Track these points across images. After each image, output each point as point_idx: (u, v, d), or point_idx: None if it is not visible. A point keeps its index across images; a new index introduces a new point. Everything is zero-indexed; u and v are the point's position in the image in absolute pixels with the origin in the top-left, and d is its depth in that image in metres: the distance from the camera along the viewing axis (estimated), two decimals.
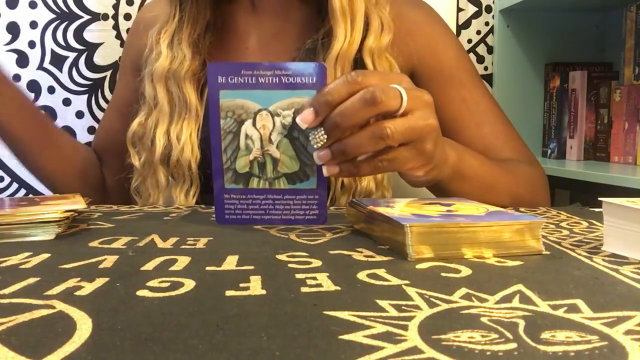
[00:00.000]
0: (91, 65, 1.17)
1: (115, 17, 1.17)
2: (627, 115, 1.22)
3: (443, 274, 0.36)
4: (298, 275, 0.35)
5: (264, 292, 0.32)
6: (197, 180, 0.75)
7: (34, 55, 1.15)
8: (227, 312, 0.28)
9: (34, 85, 1.15)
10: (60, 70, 1.16)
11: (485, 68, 1.31)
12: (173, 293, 0.32)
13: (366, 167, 0.49)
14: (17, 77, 1.14)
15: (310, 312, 0.29)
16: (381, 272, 0.36)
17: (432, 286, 0.33)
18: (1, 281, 0.34)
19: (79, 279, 0.34)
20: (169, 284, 0.33)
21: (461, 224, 0.41)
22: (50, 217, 0.47)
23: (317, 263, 0.39)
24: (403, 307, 0.29)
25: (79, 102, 1.17)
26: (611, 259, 0.40)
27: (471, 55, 1.29)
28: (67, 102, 1.16)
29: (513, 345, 0.24)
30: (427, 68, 0.79)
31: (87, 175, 0.85)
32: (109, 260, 0.39)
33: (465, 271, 0.37)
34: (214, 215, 0.54)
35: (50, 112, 1.16)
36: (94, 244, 0.45)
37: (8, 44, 1.14)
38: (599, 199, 0.44)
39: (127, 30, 1.14)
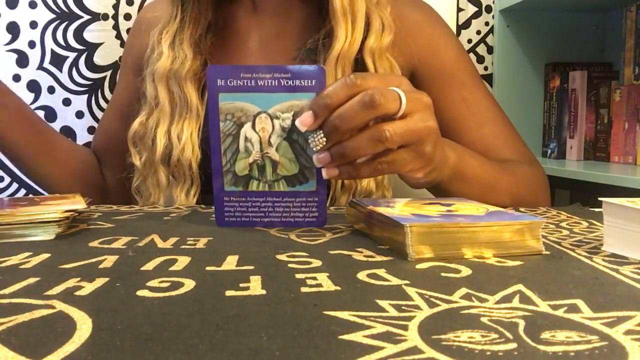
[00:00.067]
0: (91, 65, 1.16)
1: (115, 17, 1.16)
2: (627, 115, 1.22)
3: (443, 274, 0.36)
4: (298, 275, 0.36)
5: (264, 292, 0.32)
6: (198, 180, 0.75)
7: (34, 55, 1.15)
8: (227, 312, 0.28)
9: (34, 85, 1.15)
10: (60, 70, 1.16)
11: (485, 68, 1.31)
12: (173, 293, 0.32)
13: (365, 170, 0.49)
14: (17, 77, 1.14)
15: (310, 312, 0.29)
16: (381, 272, 0.36)
17: (432, 286, 0.33)
18: (1, 281, 0.34)
19: (79, 279, 0.34)
20: (169, 284, 0.33)
21: (461, 224, 0.41)
22: (50, 217, 0.47)
23: (317, 263, 0.39)
24: (403, 307, 0.29)
25: (79, 102, 1.17)
26: (611, 259, 0.40)
27: (471, 55, 1.29)
28: (67, 102, 1.16)
29: (513, 345, 0.24)
30: (428, 68, 0.79)
31: (85, 177, 0.85)
32: (109, 260, 0.39)
33: (465, 271, 0.37)
34: (214, 216, 0.54)
35: (50, 112, 1.16)
36: (94, 244, 0.45)
37: (8, 44, 1.14)
38: (599, 199, 0.44)
39: (127, 30, 1.15)
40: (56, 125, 1.16)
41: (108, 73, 1.17)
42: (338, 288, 0.33)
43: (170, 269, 0.37)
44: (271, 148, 0.51)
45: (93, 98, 1.18)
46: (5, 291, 0.32)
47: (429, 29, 0.81)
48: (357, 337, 0.25)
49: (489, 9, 1.29)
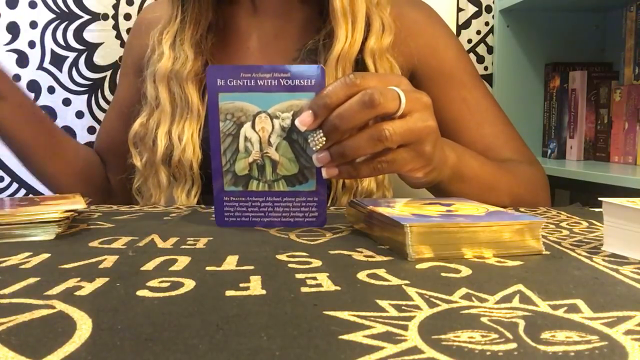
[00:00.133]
0: (91, 65, 1.16)
1: (115, 17, 1.16)
2: (627, 115, 1.22)
3: (443, 274, 0.36)
4: (298, 275, 0.36)
5: (264, 292, 0.32)
6: (199, 180, 0.75)
7: (34, 55, 1.15)
8: (227, 312, 0.28)
9: (33, 85, 1.15)
10: (60, 70, 1.16)
11: (485, 68, 1.31)
12: (173, 293, 0.32)
13: (365, 169, 0.49)
14: (17, 77, 1.14)
15: (310, 312, 0.29)
16: (381, 272, 0.36)
17: (432, 286, 0.33)
18: (1, 281, 0.34)
19: (79, 279, 0.34)
20: (169, 284, 0.33)
21: (461, 224, 0.41)
22: (50, 217, 0.47)
23: (317, 263, 0.39)
24: (403, 307, 0.29)
25: (79, 102, 1.17)
26: (611, 259, 0.40)
27: (471, 55, 1.29)
28: (67, 102, 1.16)
29: (513, 345, 0.24)
30: (428, 68, 0.79)
31: (90, 177, 0.85)
32: (109, 260, 0.39)
33: (465, 271, 0.37)
34: (213, 216, 0.54)
35: (50, 112, 1.16)
36: (94, 244, 0.45)
37: (8, 44, 1.14)
38: (599, 199, 0.44)
39: (127, 30, 1.15)
40: None
41: (108, 73, 1.17)
42: (338, 288, 0.33)
43: (170, 269, 0.37)
44: (271, 148, 0.51)
45: (93, 98, 1.18)
46: (5, 291, 0.32)
47: (428, 29, 0.81)
48: (357, 337, 0.25)
49: (489, 9, 1.29)
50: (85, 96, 1.17)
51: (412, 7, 0.81)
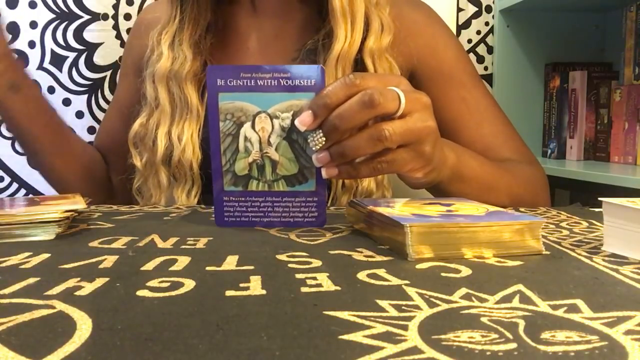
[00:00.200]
0: (91, 65, 1.16)
1: (115, 17, 1.16)
2: (627, 115, 1.22)
3: (443, 274, 0.36)
4: (298, 275, 0.36)
5: (264, 292, 0.32)
6: (199, 181, 0.75)
7: (34, 55, 1.15)
8: (227, 312, 0.28)
9: None
10: (60, 70, 1.16)
11: (485, 68, 1.31)
12: (173, 293, 0.32)
13: (365, 169, 0.49)
14: None
15: (310, 312, 0.29)
16: (381, 272, 0.36)
17: (432, 286, 0.33)
18: (1, 281, 0.34)
19: (79, 279, 0.34)
20: (169, 284, 0.33)
21: (461, 224, 0.41)
22: (50, 217, 0.47)
23: (317, 263, 0.39)
24: (403, 307, 0.29)
25: (79, 102, 1.17)
26: (611, 259, 0.40)
27: (471, 55, 1.29)
28: (67, 102, 1.16)
29: (513, 345, 0.24)
30: (427, 68, 0.79)
31: (94, 175, 0.85)
32: (109, 260, 0.39)
33: (465, 271, 0.37)
34: (213, 216, 0.54)
35: None
36: (94, 244, 0.45)
37: (8, 44, 1.14)
38: (599, 199, 0.44)
39: (127, 30, 1.14)
40: None
41: (108, 73, 1.17)
42: (338, 288, 0.33)
43: (170, 269, 0.37)
44: (271, 148, 0.51)
45: (93, 98, 1.18)
46: (5, 291, 0.32)
47: (428, 29, 0.81)
48: (357, 337, 0.25)
49: (489, 9, 1.29)
50: (85, 96, 1.17)
51: (412, 7, 0.81)
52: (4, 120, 0.74)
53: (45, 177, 0.83)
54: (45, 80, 1.15)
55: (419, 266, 0.38)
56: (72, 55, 1.16)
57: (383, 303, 0.30)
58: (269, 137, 0.51)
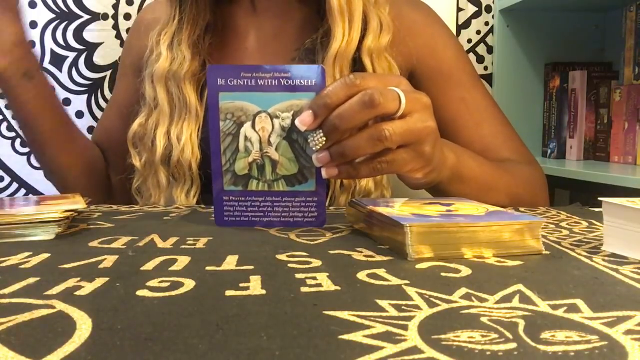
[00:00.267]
0: (91, 65, 1.16)
1: (115, 17, 1.16)
2: (627, 115, 1.22)
3: (443, 274, 0.36)
4: (298, 275, 0.36)
5: (264, 292, 0.32)
6: (198, 181, 0.75)
7: None
8: (227, 312, 0.28)
9: None
10: (60, 70, 1.16)
11: (485, 68, 1.31)
12: (173, 293, 0.32)
13: (365, 170, 0.49)
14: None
15: (310, 312, 0.29)
16: (381, 272, 0.36)
17: (432, 286, 0.33)
18: (1, 281, 0.34)
19: (79, 279, 0.34)
20: (169, 284, 0.33)
21: (461, 224, 0.41)
22: (50, 217, 0.47)
23: (317, 263, 0.39)
24: (403, 307, 0.29)
25: (79, 102, 1.17)
26: (611, 259, 0.40)
27: (471, 55, 1.29)
28: (67, 102, 1.16)
29: (513, 345, 0.24)
30: (427, 68, 0.79)
31: (95, 172, 0.85)
32: (109, 260, 0.39)
33: (465, 271, 0.37)
34: (213, 216, 0.54)
35: None
36: (94, 244, 0.45)
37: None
38: (599, 199, 0.44)
39: (127, 30, 1.14)
40: None
41: (108, 73, 1.17)
42: (338, 288, 0.33)
43: (170, 269, 0.37)
44: (271, 148, 0.51)
45: (93, 98, 1.18)
46: (5, 291, 0.32)
47: (427, 29, 0.81)
48: (357, 337, 0.25)
49: (489, 9, 1.29)
50: (85, 96, 1.17)
51: (412, 8, 0.81)
52: (13, 107, 0.74)
53: (47, 172, 0.83)
54: None
55: (419, 266, 0.38)
56: (72, 55, 1.16)
57: (383, 303, 0.30)
58: (269, 137, 0.51)
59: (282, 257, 0.41)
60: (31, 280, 0.34)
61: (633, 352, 0.24)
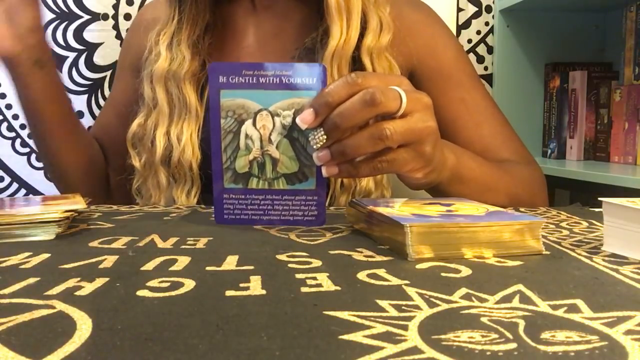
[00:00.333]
0: (91, 65, 1.17)
1: (115, 17, 1.17)
2: (627, 115, 1.22)
3: (443, 274, 0.36)
4: (298, 275, 0.36)
5: (264, 292, 0.32)
6: (198, 181, 0.75)
7: None
8: (227, 312, 0.28)
9: None
10: (60, 70, 1.16)
11: (485, 68, 1.31)
12: (173, 293, 0.32)
13: (365, 168, 0.49)
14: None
15: (310, 312, 0.29)
16: (381, 272, 0.36)
17: (432, 286, 0.33)
18: (1, 281, 0.34)
19: (79, 279, 0.34)
20: (169, 284, 0.33)
21: (461, 224, 0.41)
22: (50, 217, 0.47)
23: (317, 263, 0.39)
24: (403, 307, 0.29)
25: (79, 102, 1.17)
26: (611, 259, 0.40)
27: (471, 55, 1.29)
28: None
29: (513, 345, 0.24)
30: (427, 68, 0.79)
31: (95, 168, 0.85)
32: (109, 260, 0.39)
33: (465, 271, 0.37)
34: (213, 216, 0.54)
35: None
36: (94, 244, 0.45)
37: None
38: (599, 199, 0.44)
39: (127, 30, 1.14)
40: None
41: (108, 73, 1.17)
42: (338, 288, 0.33)
43: (170, 269, 0.37)
44: (271, 145, 0.51)
45: (93, 98, 1.18)
46: (5, 291, 0.32)
47: (427, 29, 0.81)
48: (357, 337, 0.25)
49: (489, 9, 1.29)
50: (85, 96, 1.17)
51: (412, 8, 0.81)
52: (21, 95, 0.74)
53: (46, 165, 0.83)
54: None
55: (419, 266, 0.38)
56: (72, 55, 1.16)
57: (383, 303, 0.30)
58: (270, 134, 0.51)
59: (282, 257, 0.41)
60: (31, 280, 0.34)
61: (633, 352, 0.24)
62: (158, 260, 0.39)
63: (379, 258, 0.41)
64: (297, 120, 0.48)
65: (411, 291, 0.32)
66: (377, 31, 0.73)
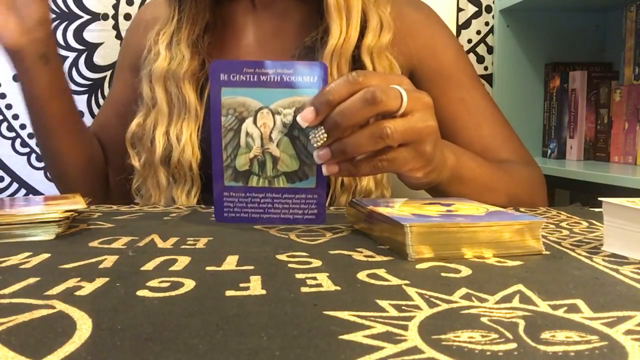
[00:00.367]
0: (91, 65, 1.17)
1: (115, 17, 1.17)
2: (627, 115, 1.22)
3: (443, 274, 0.36)
4: (298, 275, 0.35)
5: (264, 292, 0.32)
6: (198, 181, 0.75)
7: None
8: (227, 312, 0.28)
9: None
10: None
11: (485, 68, 1.31)
12: (173, 293, 0.32)
13: (365, 167, 0.49)
14: (17, 77, 1.14)
15: (310, 312, 0.29)
16: (381, 272, 0.36)
17: (432, 286, 0.33)
18: (1, 281, 0.34)
19: (79, 279, 0.34)
20: (169, 284, 0.33)
21: (461, 224, 0.41)
22: (50, 217, 0.47)
23: (317, 263, 0.39)
24: (403, 307, 0.29)
25: (79, 102, 1.17)
26: (611, 259, 0.40)
27: (471, 55, 1.29)
28: None
29: (513, 345, 0.24)
30: (427, 69, 0.79)
31: (95, 167, 0.85)
32: (109, 260, 0.39)
33: (465, 271, 0.37)
34: (213, 215, 0.54)
35: None
36: (94, 244, 0.45)
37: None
38: (599, 199, 0.44)
39: (127, 29, 1.14)
40: None
41: (108, 73, 1.17)
42: (338, 288, 0.33)
43: (170, 269, 0.37)
44: (272, 144, 0.52)
45: (93, 98, 1.18)
46: (5, 291, 0.32)
47: (427, 29, 0.81)
48: (357, 337, 0.25)
49: (489, 9, 1.29)
50: (85, 96, 1.17)
51: (412, 8, 0.81)
52: (24, 89, 0.74)
53: (48, 163, 0.83)
54: None
55: (419, 266, 0.38)
56: (72, 55, 1.16)
57: (383, 303, 0.30)
58: (271, 133, 0.51)
59: (282, 257, 0.41)
60: (31, 280, 0.34)
61: (633, 352, 0.24)
62: (158, 260, 0.39)
63: (379, 258, 0.41)
64: (298, 118, 0.48)
65: (411, 291, 0.32)
66: (377, 30, 0.73)
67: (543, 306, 0.30)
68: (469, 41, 1.29)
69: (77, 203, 0.54)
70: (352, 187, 0.73)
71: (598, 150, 1.30)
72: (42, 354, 0.23)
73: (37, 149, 1.17)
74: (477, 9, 1.28)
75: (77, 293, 0.32)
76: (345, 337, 0.25)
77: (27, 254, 0.41)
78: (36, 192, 1.16)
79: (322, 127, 0.48)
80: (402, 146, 0.49)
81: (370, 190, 0.73)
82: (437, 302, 0.30)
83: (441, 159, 0.56)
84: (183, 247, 0.44)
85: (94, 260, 0.39)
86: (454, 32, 1.23)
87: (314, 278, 0.35)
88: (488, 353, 0.23)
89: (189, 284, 0.33)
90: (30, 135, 1.17)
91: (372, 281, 0.34)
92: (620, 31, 1.26)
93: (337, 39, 0.70)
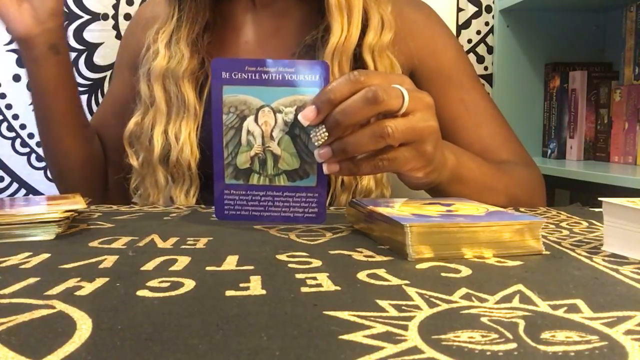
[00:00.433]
0: (91, 65, 1.16)
1: (115, 17, 1.16)
2: (627, 115, 1.22)
3: (443, 274, 0.36)
4: (298, 275, 0.36)
5: (264, 292, 0.32)
6: (197, 180, 0.75)
7: None
8: (227, 312, 0.28)
9: None
10: None
11: (485, 68, 1.31)
12: (173, 293, 0.32)
13: (366, 166, 0.50)
14: (17, 77, 1.14)
15: (310, 312, 0.29)
16: (381, 272, 0.36)
17: (432, 286, 0.33)
18: (1, 281, 0.34)
19: (79, 279, 0.34)
20: (169, 284, 0.33)
21: (461, 224, 0.41)
22: (50, 217, 0.47)
23: (317, 263, 0.39)
24: (403, 307, 0.29)
25: None
26: (611, 259, 0.40)
27: (471, 55, 1.29)
28: None
29: (513, 345, 0.24)
30: (427, 69, 0.79)
31: (95, 163, 0.85)
32: (109, 260, 0.39)
33: (465, 271, 0.37)
34: (214, 215, 0.54)
35: None
36: (94, 244, 0.45)
37: (8, 44, 1.14)
38: (599, 199, 0.44)
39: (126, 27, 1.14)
40: None
41: (108, 73, 1.17)
42: (338, 288, 0.33)
43: (170, 269, 0.37)
44: (273, 142, 0.52)
45: (93, 98, 1.18)
46: (5, 291, 0.32)
47: (428, 29, 0.81)
48: (357, 337, 0.25)
49: (489, 9, 1.29)
50: (85, 96, 1.17)
51: (412, 8, 0.81)
52: (32, 79, 0.74)
53: (49, 158, 0.82)
54: None
55: (419, 266, 0.38)
56: (72, 55, 1.16)
57: (383, 303, 0.30)
58: (272, 131, 0.51)
59: (282, 257, 0.41)
60: (31, 280, 0.34)
61: (633, 352, 0.24)
62: (158, 260, 0.39)
63: (379, 258, 0.41)
64: (299, 117, 0.48)
65: (411, 291, 0.32)
66: (378, 29, 0.73)
67: (543, 306, 0.30)
68: (469, 41, 1.29)
69: (77, 203, 0.54)
70: (352, 186, 0.73)
71: (598, 150, 1.31)
72: (42, 354, 0.23)
73: (37, 149, 1.17)
74: (477, 9, 1.28)
75: (77, 293, 0.32)
76: (345, 337, 0.25)
77: (27, 254, 0.41)
78: (36, 192, 1.16)
79: (323, 126, 0.48)
80: (402, 146, 0.49)
81: (370, 189, 0.73)
82: (437, 302, 0.30)
83: (441, 159, 0.56)
84: (183, 247, 0.44)
85: (94, 260, 0.39)
86: (454, 32, 1.23)
87: (314, 278, 0.35)
88: (488, 353, 0.23)
89: (189, 284, 0.33)
90: (30, 135, 1.17)
91: (372, 281, 0.34)
92: (620, 31, 1.26)
93: (338, 37, 0.70)
